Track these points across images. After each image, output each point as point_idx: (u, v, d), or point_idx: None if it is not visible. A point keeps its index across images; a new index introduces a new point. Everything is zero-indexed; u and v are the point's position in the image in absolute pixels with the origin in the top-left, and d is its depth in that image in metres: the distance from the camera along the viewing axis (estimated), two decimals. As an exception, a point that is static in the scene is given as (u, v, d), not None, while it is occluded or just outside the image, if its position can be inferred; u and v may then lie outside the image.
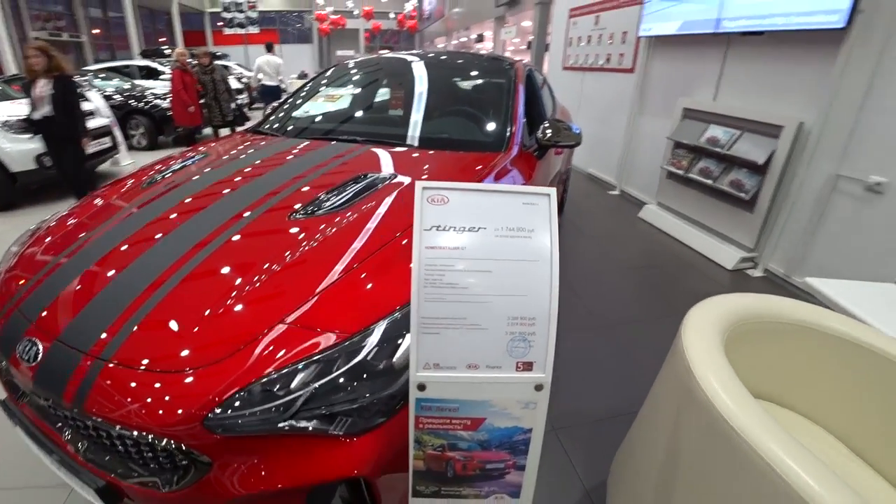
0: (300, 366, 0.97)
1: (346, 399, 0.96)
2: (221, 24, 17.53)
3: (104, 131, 5.54)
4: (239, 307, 1.08)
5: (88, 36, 16.66)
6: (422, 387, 0.89)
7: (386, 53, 3.29)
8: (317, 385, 0.95)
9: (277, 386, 0.95)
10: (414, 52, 2.95)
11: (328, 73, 2.93)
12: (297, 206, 1.44)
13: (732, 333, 1.14)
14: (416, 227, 0.84)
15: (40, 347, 1.08)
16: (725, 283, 3.21)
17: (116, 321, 1.07)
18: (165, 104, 7.16)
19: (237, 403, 0.93)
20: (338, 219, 1.35)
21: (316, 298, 1.07)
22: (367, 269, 1.15)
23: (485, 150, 1.96)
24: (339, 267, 1.15)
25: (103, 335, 1.05)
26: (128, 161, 6.23)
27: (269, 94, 8.34)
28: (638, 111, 4.93)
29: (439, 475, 0.97)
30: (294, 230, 1.33)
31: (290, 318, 1.03)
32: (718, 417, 0.85)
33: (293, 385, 0.95)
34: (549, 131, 2.15)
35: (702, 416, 0.89)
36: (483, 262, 0.84)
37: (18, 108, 4.82)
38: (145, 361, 1.00)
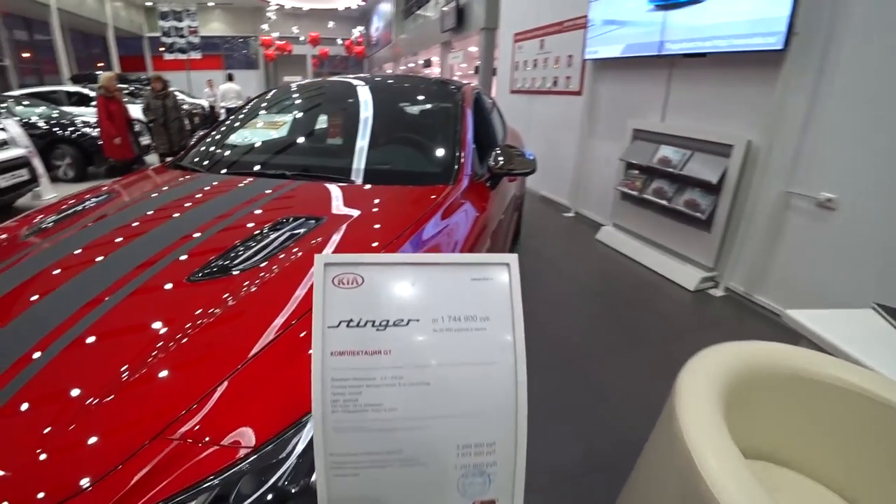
0: (187, 495, 0.71)
1: None
2: (162, 49, 16.87)
3: (20, 162, 5.02)
4: (99, 419, 0.80)
5: (12, 60, 15.51)
6: None
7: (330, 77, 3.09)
8: None
9: None
10: (356, 75, 2.77)
11: (261, 98, 2.71)
12: (197, 265, 1.17)
13: (731, 391, 0.99)
14: (315, 325, 0.58)
15: None
16: (689, 304, 3.17)
17: None
18: (95, 133, 6.64)
19: None
20: (245, 282, 1.10)
21: (207, 397, 0.81)
22: (278, 351, 0.90)
23: (431, 183, 1.78)
24: (243, 349, 0.90)
25: None
26: (51, 194, 5.66)
27: None
28: (588, 133, 4.95)
29: None
30: (188, 298, 1.07)
31: (171, 429, 0.77)
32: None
33: None
34: (501, 159, 2.00)
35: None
36: (417, 370, 0.58)
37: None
38: None
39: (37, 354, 0.92)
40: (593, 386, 2.26)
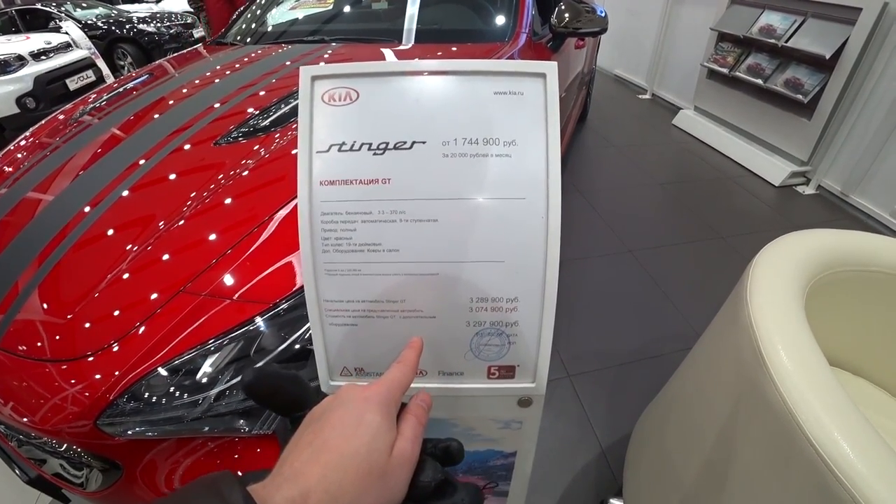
0: (211, 346, 0.77)
1: None
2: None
3: (85, 64, 5.14)
4: (130, 275, 0.90)
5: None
6: None
7: None
8: (234, 371, 0.77)
9: (182, 373, 0.77)
10: None
11: None
12: (222, 132, 1.25)
13: (814, 284, 0.87)
14: (302, 150, 0.48)
15: None
16: (771, 201, 2.86)
17: (3, 301, 0.92)
18: (150, 29, 6.62)
19: (133, 398, 0.77)
20: (256, 145, 1.15)
21: (228, 254, 0.88)
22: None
23: (483, 41, 1.68)
24: (265, 211, 0.95)
25: None
26: (119, 95, 5.88)
27: None
28: (674, -2, 4.25)
29: None
30: (213, 162, 1.15)
31: (194, 285, 0.84)
32: (803, 441, 0.63)
33: (203, 371, 0.77)
34: (566, 14, 1.77)
35: (775, 427, 0.67)
36: (422, 204, 0.48)
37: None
38: (26, 348, 0.84)
39: (87, 209, 1.07)
40: (654, 279, 2.17)
